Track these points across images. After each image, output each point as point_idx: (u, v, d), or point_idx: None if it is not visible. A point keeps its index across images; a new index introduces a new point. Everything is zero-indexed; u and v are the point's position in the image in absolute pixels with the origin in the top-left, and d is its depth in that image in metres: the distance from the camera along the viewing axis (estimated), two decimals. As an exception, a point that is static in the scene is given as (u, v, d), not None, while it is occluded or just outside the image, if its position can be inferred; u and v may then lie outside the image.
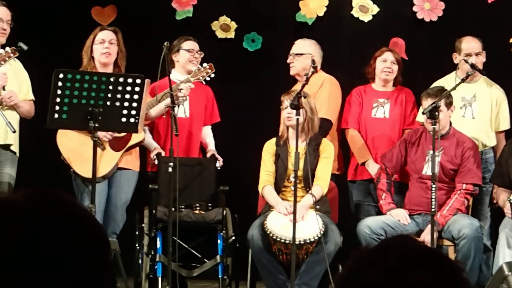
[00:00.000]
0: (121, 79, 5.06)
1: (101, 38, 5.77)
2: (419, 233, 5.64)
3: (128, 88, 5.03)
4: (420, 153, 5.82)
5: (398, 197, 5.94)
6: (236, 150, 6.53)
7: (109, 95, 5.00)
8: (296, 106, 5.28)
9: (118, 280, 5.34)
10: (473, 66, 5.83)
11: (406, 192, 5.92)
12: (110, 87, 5.01)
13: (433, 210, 5.38)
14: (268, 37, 7.15)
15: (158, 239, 5.61)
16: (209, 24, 7.16)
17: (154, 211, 5.69)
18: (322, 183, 5.61)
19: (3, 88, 5.46)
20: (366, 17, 7.17)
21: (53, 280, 1.16)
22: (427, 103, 5.56)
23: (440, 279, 1.26)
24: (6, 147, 5.54)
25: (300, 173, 5.47)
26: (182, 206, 5.70)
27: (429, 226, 5.46)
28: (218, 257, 5.63)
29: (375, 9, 7.16)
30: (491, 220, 6.01)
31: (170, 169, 5.22)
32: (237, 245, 5.72)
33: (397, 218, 5.71)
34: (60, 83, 4.96)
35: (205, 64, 5.92)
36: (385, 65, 6.20)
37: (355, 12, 7.17)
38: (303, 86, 5.37)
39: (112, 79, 5.04)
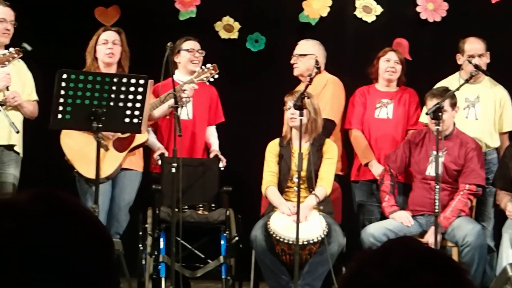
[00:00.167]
0: (124, 80, 5.06)
1: (104, 39, 5.77)
2: (423, 234, 5.63)
3: (132, 89, 5.03)
4: (423, 154, 5.82)
5: (401, 198, 5.94)
6: (239, 151, 6.53)
7: (113, 96, 5.01)
8: (299, 106, 5.28)
9: (121, 281, 5.34)
10: (476, 67, 5.83)
11: (410, 193, 5.92)
12: (114, 88, 5.01)
13: (436, 210, 5.37)
14: (271, 38, 7.15)
15: (161, 239, 5.62)
16: (212, 24, 7.16)
17: (157, 212, 5.69)
18: (325, 184, 5.61)
19: (7, 89, 5.47)
20: (369, 18, 7.16)
21: (57, 281, 1.16)
22: (431, 103, 5.55)
23: (443, 280, 1.26)
24: (10, 147, 5.55)
25: (303, 173, 5.47)
26: (186, 207, 5.70)
27: (433, 227, 5.45)
28: (221, 257, 5.63)
29: (378, 9, 7.16)
30: (495, 221, 6.01)
31: (173, 170, 5.23)
32: (241, 246, 5.72)
33: (400, 220, 5.70)
34: (63, 84, 4.96)
35: (208, 65, 5.92)
36: (389, 64, 6.20)
37: (359, 13, 7.16)
38: (306, 87, 5.37)
39: (115, 80, 5.05)
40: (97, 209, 4.90)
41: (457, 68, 6.16)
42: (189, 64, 6.07)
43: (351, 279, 1.29)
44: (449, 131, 5.77)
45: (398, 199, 5.87)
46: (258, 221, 5.61)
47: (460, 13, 7.09)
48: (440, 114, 5.43)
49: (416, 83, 6.40)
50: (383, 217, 5.89)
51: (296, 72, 6.21)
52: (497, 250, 5.73)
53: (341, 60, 6.95)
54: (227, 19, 7.19)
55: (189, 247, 5.63)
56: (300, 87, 5.78)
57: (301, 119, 5.30)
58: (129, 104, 5.03)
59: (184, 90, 5.76)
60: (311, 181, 5.51)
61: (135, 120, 5.07)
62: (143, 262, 5.70)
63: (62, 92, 4.96)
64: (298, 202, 5.24)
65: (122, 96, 5.02)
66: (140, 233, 5.78)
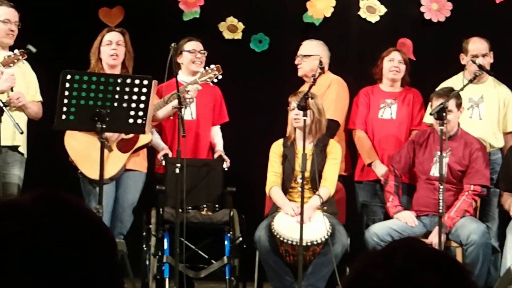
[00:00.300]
0: (128, 80, 5.06)
1: (108, 40, 5.78)
2: (427, 235, 5.63)
3: (135, 89, 5.03)
4: (428, 154, 5.81)
5: (405, 199, 5.93)
6: (243, 151, 6.53)
7: (116, 96, 5.01)
8: (303, 107, 5.28)
9: (125, 281, 5.34)
10: (480, 67, 5.82)
11: (414, 193, 5.91)
12: (117, 88, 5.01)
13: (440, 211, 5.37)
14: (275, 38, 7.15)
15: (165, 240, 5.62)
16: (216, 25, 7.16)
17: (161, 212, 5.69)
18: (329, 184, 5.61)
19: (11, 89, 5.47)
20: (373, 18, 7.16)
21: (60, 282, 1.16)
22: (437, 103, 5.54)
23: (447, 281, 1.26)
24: (14, 148, 5.55)
25: (307, 174, 5.47)
26: (189, 207, 5.70)
27: (437, 228, 5.44)
28: (225, 258, 5.63)
29: (382, 9, 7.16)
30: (499, 221, 5.99)
31: (177, 170, 5.22)
32: (244, 246, 5.73)
33: (404, 220, 5.70)
34: (67, 84, 4.96)
35: (212, 66, 5.92)
36: (392, 64, 6.20)
37: (363, 13, 7.16)
38: (310, 87, 5.37)
39: (119, 80, 5.05)
40: (101, 209, 4.90)
41: (461, 68, 6.16)
42: (191, 64, 6.07)
43: (355, 279, 1.29)
44: (454, 131, 5.76)
45: (402, 200, 5.87)
46: (262, 222, 5.61)
47: (464, 13, 7.08)
48: (444, 114, 5.42)
49: (420, 83, 6.39)
50: (387, 217, 5.89)
51: (300, 73, 6.21)
52: (501, 251, 5.72)
53: (345, 60, 6.95)
54: (231, 20, 7.19)
55: (193, 247, 5.63)
56: (304, 88, 5.78)
57: (305, 120, 5.29)
58: (133, 105, 5.03)
59: (188, 91, 5.76)
60: (315, 182, 5.50)
61: (139, 121, 5.06)
62: (147, 262, 5.71)
63: (66, 93, 4.96)
64: (302, 203, 5.24)
65: (126, 97, 5.02)
66: (144, 233, 5.78)
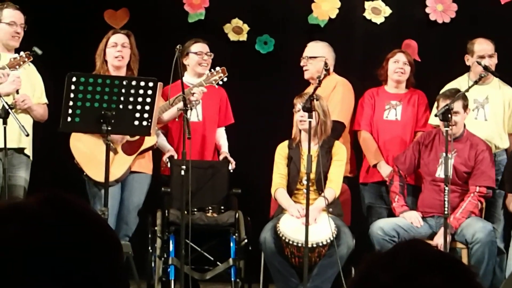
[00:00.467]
0: (133, 83, 5.07)
1: (113, 42, 5.79)
2: (432, 236, 5.62)
3: (141, 91, 5.04)
4: (433, 156, 5.81)
5: (410, 200, 5.93)
6: (248, 153, 6.53)
7: (122, 99, 5.01)
8: (308, 109, 5.28)
9: (131, 283, 5.34)
10: (485, 68, 5.81)
11: (419, 195, 5.91)
12: (123, 91, 5.02)
13: (446, 212, 5.36)
14: (280, 40, 7.15)
15: (170, 242, 5.63)
16: (221, 26, 7.16)
17: (166, 214, 5.70)
18: (334, 186, 5.61)
19: (17, 92, 5.48)
20: (378, 19, 7.16)
21: (64, 284, 1.17)
22: (444, 104, 5.54)
23: (452, 283, 1.26)
24: (20, 150, 5.56)
25: (312, 175, 5.47)
26: (195, 209, 5.71)
27: (442, 229, 5.44)
28: (230, 260, 5.63)
29: (387, 11, 7.15)
30: (505, 222, 5.98)
31: (182, 172, 5.23)
32: (250, 248, 5.73)
33: (410, 220, 5.70)
34: (73, 87, 4.97)
35: (217, 68, 5.92)
36: (397, 65, 6.20)
37: (368, 14, 7.16)
38: (315, 89, 5.37)
39: (124, 83, 5.06)
40: (106, 212, 4.91)
41: (466, 69, 6.15)
42: (197, 67, 6.08)
43: (360, 281, 1.29)
44: (460, 133, 5.76)
45: (407, 201, 5.86)
46: (267, 224, 5.61)
47: (469, 14, 7.07)
48: (449, 115, 5.42)
49: (425, 84, 6.39)
50: (392, 219, 5.88)
51: (307, 76, 6.21)
52: (507, 252, 5.71)
53: (350, 61, 6.95)
54: (236, 21, 7.20)
55: (199, 249, 5.63)
56: (309, 89, 5.78)
57: (310, 122, 5.29)
58: (139, 107, 5.04)
59: (193, 93, 5.76)
60: (320, 183, 5.50)
61: (144, 123, 5.07)
62: (153, 264, 5.71)
63: (72, 95, 4.97)
64: (307, 204, 5.24)
65: (131, 99, 5.03)
66: (150, 235, 5.79)
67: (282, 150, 5.76)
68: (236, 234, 5.72)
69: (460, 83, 6.03)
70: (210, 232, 5.74)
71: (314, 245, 5.32)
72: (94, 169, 5.49)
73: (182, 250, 5.21)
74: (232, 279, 5.61)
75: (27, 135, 5.31)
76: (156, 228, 5.76)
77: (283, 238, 5.39)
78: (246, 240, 5.72)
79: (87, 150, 5.61)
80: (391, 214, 5.90)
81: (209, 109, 6.13)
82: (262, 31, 7.18)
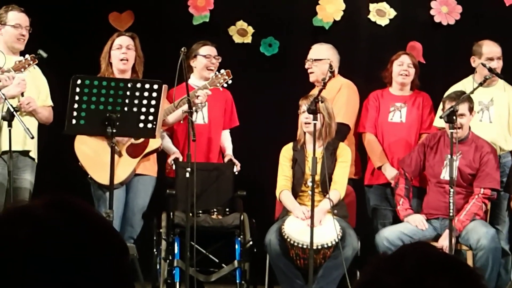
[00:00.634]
0: (138, 85, 5.08)
1: (118, 44, 5.80)
2: (437, 238, 5.62)
3: (146, 94, 5.05)
4: (438, 158, 5.80)
5: (415, 202, 5.92)
6: (253, 155, 6.53)
7: (127, 101, 5.02)
8: (313, 111, 5.28)
9: (136, 285, 5.34)
10: (491, 70, 5.81)
11: (424, 197, 5.91)
12: (128, 93, 5.02)
13: (451, 214, 5.36)
14: (285, 42, 7.15)
15: (175, 244, 5.63)
16: (226, 29, 7.17)
17: (171, 216, 5.70)
18: (339, 188, 5.61)
19: (22, 94, 5.49)
20: (383, 21, 7.15)
21: (67, 286, 1.17)
22: (449, 107, 5.53)
23: (458, 285, 1.26)
24: (25, 153, 5.57)
25: (317, 177, 5.47)
26: (200, 211, 5.71)
27: (447, 231, 5.43)
28: (235, 262, 5.64)
29: (392, 13, 7.15)
30: (510, 224, 5.98)
31: (187, 174, 5.23)
32: (255, 250, 5.72)
33: (414, 224, 5.69)
34: (78, 89, 4.98)
35: (222, 71, 5.92)
36: (402, 68, 6.19)
37: (372, 16, 7.15)
38: (320, 91, 5.37)
39: (129, 85, 5.06)
40: (111, 214, 4.91)
41: (471, 71, 6.14)
42: (204, 70, 6.08)
43: (365, 284, 1.29)
44: (465, 135, 5.76)
45: (412, 203, 5.86)
46: (272, 225, 5.61)
47: (473, 16, 7.07)
48: (454, 117, 5.42)
49: (430, 86, 6.38)
50: (397, 221, 5.88)
51: (312, 78, 6.21)
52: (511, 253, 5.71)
53: (355, 64, 6.95)
54: (241, 24, 7.20)
55: (204, 251, 5.64)
56: (314, 91, 5.78)
57: (315, 124, 5.30)
58: (143, 109, 5.05)
59: (198, 96, 5.77)
60: (325, 185, 5.50)
61: (149, 125, 5.08)
62: (158, 266, 5.72)
63: (77, 98, 4.98)
64: (312, 206, 5.24)
65: (136, 101, 5.03)
66: (155, 237, 5.79)
67: (286, 152, 5.76)
68: (241, 236, 5.72)
69: (465, 85, 6.03)
70: (215, 234, 5.74)
71: (319, 247, 5.32)
72: (98, 172, 5.49)
73: (187, 252, 5.21)
74: (237, 281, 5.61)
75: (32, 138, 5.32)
76: (161, 230, 5.76)
77: (288, 240, 5.39)
78: (251, 242, 5.72)
79: (91, 153, 5.61)
80: (396, 216, 5.90)
81: (215, 112, 6.13)
82: (266, 33, 7.18)
